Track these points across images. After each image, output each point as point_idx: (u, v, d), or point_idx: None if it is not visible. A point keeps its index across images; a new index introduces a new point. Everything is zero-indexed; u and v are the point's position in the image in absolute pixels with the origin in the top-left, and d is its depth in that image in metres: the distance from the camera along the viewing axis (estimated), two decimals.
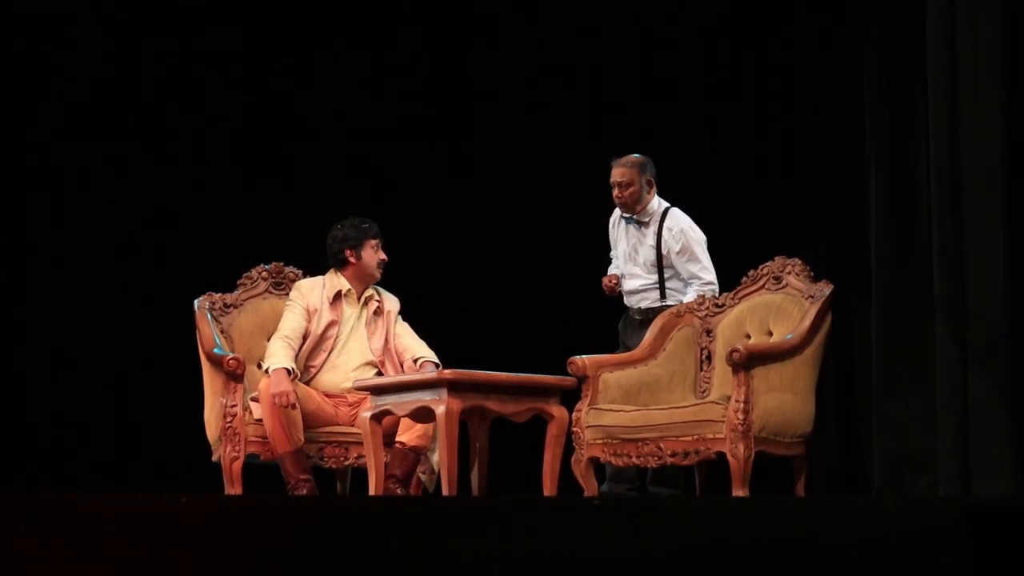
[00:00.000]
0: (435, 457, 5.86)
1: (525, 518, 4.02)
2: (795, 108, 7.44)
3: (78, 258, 7.37)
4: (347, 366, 6.07)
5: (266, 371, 5.89)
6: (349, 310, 6.14)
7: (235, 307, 6.32)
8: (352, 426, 5.96)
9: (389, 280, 6.26)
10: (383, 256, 6.13)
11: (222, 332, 6.16)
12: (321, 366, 6.08)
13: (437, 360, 6.04)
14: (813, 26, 7.31)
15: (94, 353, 7.32)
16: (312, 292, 6.13)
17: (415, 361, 6.08)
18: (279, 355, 5.93)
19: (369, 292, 6.18)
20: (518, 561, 3.85)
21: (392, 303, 6.21)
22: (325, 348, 6.09)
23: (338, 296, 6.13)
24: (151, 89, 7.54)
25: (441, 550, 3.84)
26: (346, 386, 6.02)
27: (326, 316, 6.09)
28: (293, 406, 5.79)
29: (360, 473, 5.94)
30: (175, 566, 3.67)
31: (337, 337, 6.10)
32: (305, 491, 5.76)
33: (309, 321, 6.07)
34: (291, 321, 6.05)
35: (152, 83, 7.54)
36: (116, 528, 3.66)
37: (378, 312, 6.16)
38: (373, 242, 6.12)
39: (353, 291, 6.14)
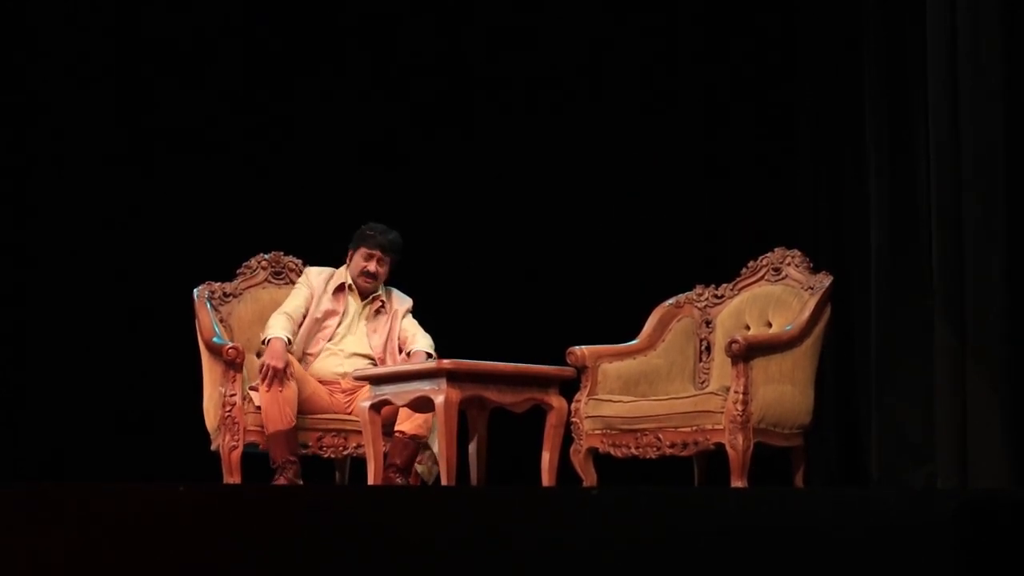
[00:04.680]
0: (435, 447, 5.87)
1: (524, 508, 4.02)
2: (795, 100, 7.43)
3: (76, 248, 7.36)
4: (343, 353, 6.08)
5: (263, 342, 5.89)
6: (353, 304, 6.16)
7: (234, 296, 6.33)
8: (348, 414, 5.96)
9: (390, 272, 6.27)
10: (369, 268, 6.12)
11: (221, 321, 6.17)
12: (318, 354, 6.09)
13: (431, 350, 6.03)
14: (814, 18, 7.30)
15: (93, 342, 7.31)
16: (318, 277, 6.18)
17: (408, 354, 6.08)
18: (276, 326, 5.97)
19: (378, 292, 6.18)
20: (517, 551, 3.85)
21: (401, 303, 6.22)
22: (323, 336, 6.10)
23: (342, 288, 6.15)
24: (150, 78, 7.53)
25: (440, 539, 3.84)
26: (340, 371, 6.03)
27: (325, 303, 6.11)
28: (285, 376, 5.79)
29: (359, 463, 5.94)
30: (174, 555, 3.67)
31: (337, 328, 6.11)
32: (291, 473, 5.75)
33: (311, 304, 6.10)
34: (294, 300, 6.11)
35: (150, 69, 7.52)
36: (114, 517, 3.66)
37: (381, 311, 6.16)
38: (364, 251, 6.14)
39: (356, 287, 6.16)
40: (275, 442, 5.81)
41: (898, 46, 6.57)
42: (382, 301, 6.19)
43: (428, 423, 5.82)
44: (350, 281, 6.16)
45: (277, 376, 5.81)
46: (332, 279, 6.19)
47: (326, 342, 6.10)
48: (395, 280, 6.30)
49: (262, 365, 5.84)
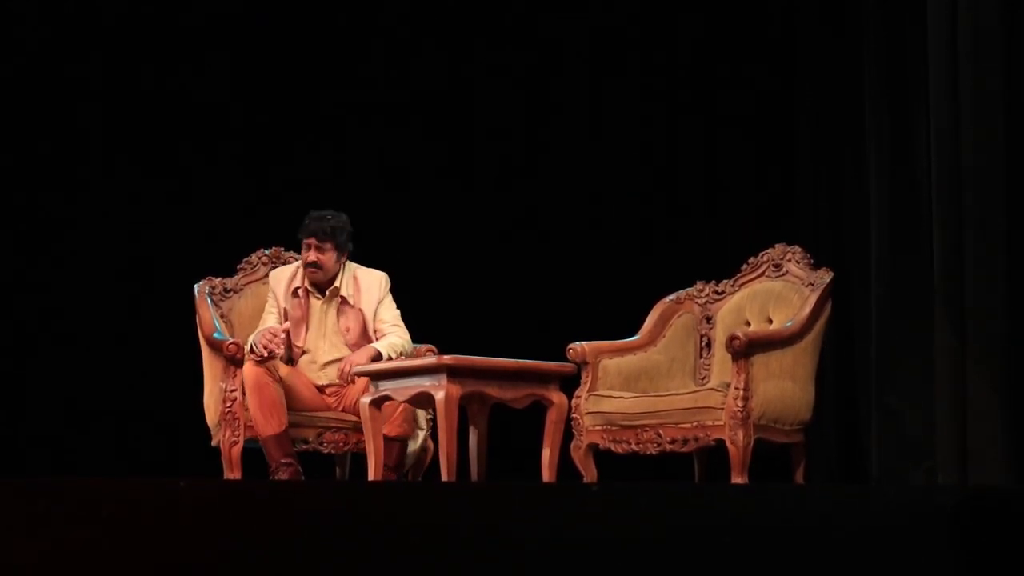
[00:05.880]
0: (413, 445, 5.89)
1: (524, 504, 4.02)
2: (796, 96, 7.43)
3: (77, 246, 7.36)
4: (318, 362, 6.04)
5: (251, 350, 5.87)
6: (316, 305, 6.11)
7: (235, 292, 6.33)
8: (342, 412, 5.97)
9: (389, 266, 6.26)
10: (309, 257, 6.02)
11: (222, 317, 6.17)
12: (297, 360, 6.05)
13: (387, 350, 5.91)
14: (814, 18, 7.30)
15: (94, 338, 7.31)
16: (280, 284, 6.11)
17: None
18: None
19: (337, 283, 6.09)
20: (517, 547, 3.86)
21: (370, 290, 6.10)
22: (299, 343, 6.06)
23: (298, 291, 6.09)
24: (150, 74, 7.52)
25: (440, 535, 3.84)
26: (319, 383, 6.01)
27: (290, 309, 6.06)
28: (277, 350, 5.78)
29: (359, 458, 5.94)
30: (174, 550, 3.67)
31: (307, 332, 6.06)
32: (287, 475, 5.75)
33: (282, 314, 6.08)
34: (269, 319, 6.06)
35: (150, 65, 7.52)
36: (115, 512, 3.66)
37: (347, 304, 6.09)
38: (306, 241, 6.06)
39: (311, 284, 6.08)
40: (268, 446, 5.80)
41: (898, 46, 6.58)
42: (342, 296, 6.10)
43: (410, 420, 5.82)
44: (305, 284, 6.09)
45: (276, 339, 5.81)
46: (293, 279, 6.11)
47: (300, 351, 6.06)
48: (396, 271, 6.26)
49: (251, 378, 5.80)
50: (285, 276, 6.14)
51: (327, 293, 6.09)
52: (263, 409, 5.76)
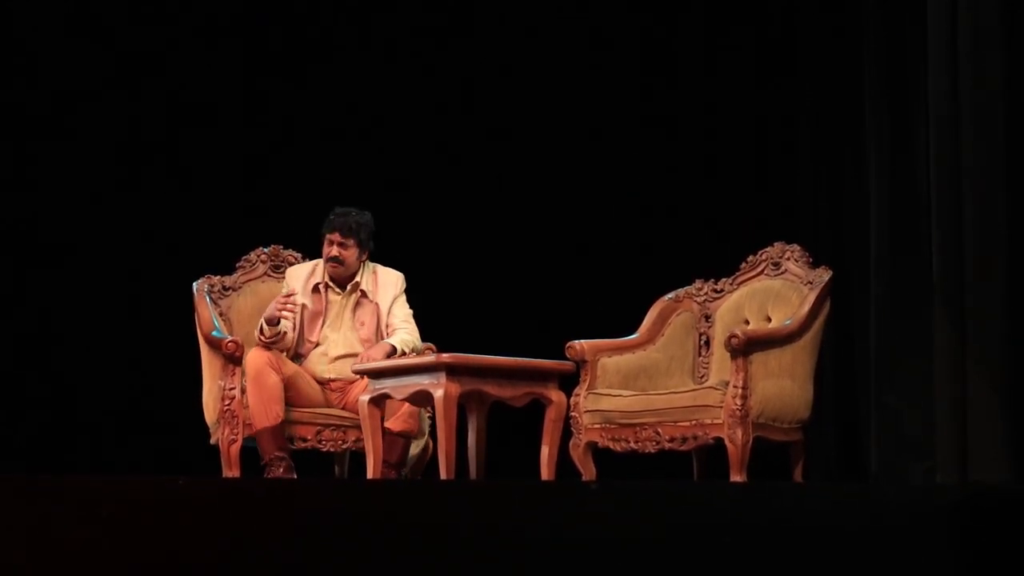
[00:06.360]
0: (417, 447, 5.89)
1: (523, 502, 4.01)
2: (795, 100, 7.44)
3: (77, 243, 7.36)
4: (329, 355, 6.05)
5: (261, 332, 5.87)
6: (335, 300, 6.12)
7: (234, 290, 6.33)
8: (343, 409, 5.97)
9: (388, 264, 6.25)
10: (331, 252, 6.06)
11: (221, 315, 6.17)
12: (307, 355, 6.07)
13: (401, 346, 5.95)
14: (814, 18, 7.30)
15: (93, 336, 7.31)
16: (298, 280, 6.12)
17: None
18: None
19: (358, 278, 6.14)
20: (515, 545, 3.85)
21: (387, 287, 6.14)
22: (313, 338, 6.07)
23: (319, 287, 6.10)
24: (149, 71, 7.52)
25: (438, 534, 3.84)
26: (326, 376, 6.02)
27: (308, 304, 6.07)
28: (291, 313, 5.84)
29: (358, 456, 5.94)
30: (173, 549, 3.67)
31: (323, 326, 6.08)
32: (281, 469, 5.75)
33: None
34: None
35: (149, 62, 7.52)
36: (114, 510, 3.66)
37: (364, 299, 6.12)
38: (326, 237, 6.09)
39: (331, 279, 6.10)
40: (262, 438, 5.80)
41: (898, 46, 6.59)
42: (362, 290, 6.14)
43: (415, 417, 5.82)
44: (325, 279, 6.12)
45: (288, 301, 5.84)
46: (311, 276, 6.14)
47: (314, 343, 6.08)
48: (396, 268, 6.26)
49: (252, 368, 5.81)
50: (303, 273, 6.17)
51: (347, 288, 6.10)
52: (261, 399, 5.77)
